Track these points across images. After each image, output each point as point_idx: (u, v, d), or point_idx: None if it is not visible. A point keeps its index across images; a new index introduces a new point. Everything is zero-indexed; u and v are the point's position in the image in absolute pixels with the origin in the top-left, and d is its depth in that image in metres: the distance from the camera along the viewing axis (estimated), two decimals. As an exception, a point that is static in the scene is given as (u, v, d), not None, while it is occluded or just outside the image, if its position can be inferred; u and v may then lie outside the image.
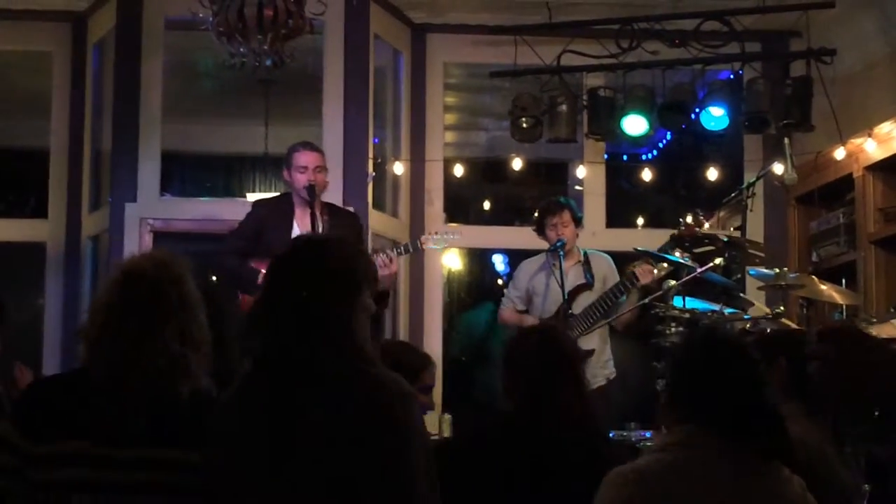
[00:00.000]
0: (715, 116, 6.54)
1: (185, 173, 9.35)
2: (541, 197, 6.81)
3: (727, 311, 5.33)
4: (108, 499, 2.32)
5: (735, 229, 6.56)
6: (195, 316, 2.48)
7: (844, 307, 6.30)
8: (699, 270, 5.29)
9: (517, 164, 7.21)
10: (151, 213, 6.65)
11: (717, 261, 5.35)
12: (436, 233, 5.74)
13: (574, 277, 5.70)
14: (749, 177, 6.23)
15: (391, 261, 5.13)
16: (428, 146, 7.26)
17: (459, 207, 8.85)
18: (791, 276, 5.21)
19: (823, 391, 1.65)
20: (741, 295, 6.00)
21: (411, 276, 7.13)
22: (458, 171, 7.37)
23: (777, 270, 5.14)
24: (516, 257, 7.20)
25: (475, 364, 8.45)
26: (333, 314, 2.34)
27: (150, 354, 2.39)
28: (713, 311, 5.28)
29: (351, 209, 5.90)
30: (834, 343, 1.64)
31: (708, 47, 6.55)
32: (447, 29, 7.29)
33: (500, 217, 9.79)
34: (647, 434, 4.96)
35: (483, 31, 7.03)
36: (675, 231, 5.65)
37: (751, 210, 5.58)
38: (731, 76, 6.75)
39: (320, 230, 5.05)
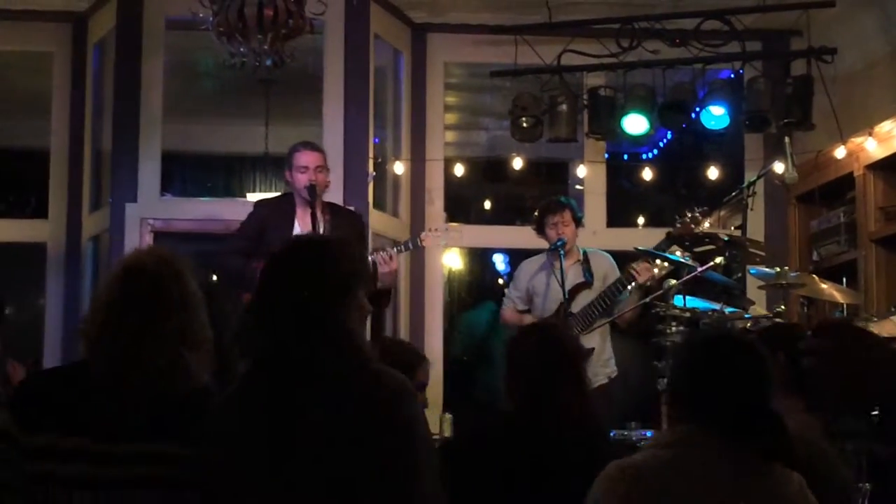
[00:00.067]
0: (715, 115, 6.54)
1: (185, 173, 9.35)
2: (541, 196, 6.82)
3: (728, 310, 5.33)
4: (109, 495, 2.32)
5: (736, 228, 6.55)
6: (196, 313, 2.48)
7: (845, 306, 6.31)
8: (700, 269, 5.29)
9: (518, 163, 7.21)
10: (152, 213, 6.65)
11: (718, 260, 5.35)
12: (436, 229, 5.73)
13: (573, 276, 5.70)
14: (750, 176, 6.23)
15: (391, 258, 5.13)
16: (428, 146, 7.26)
17: (460, 207, 8.85)
18: (792, 275, 5.21)
19: (821, 387, 1.64)
20: (742, 294, 6.01)
21: (412, 276, 7.13)
22: (459, 170, 7.37)
23: (778, 269, 5.14)
24: (517, 257, 7.20)
25: (476, 364, 8.44)
26: (329, 313, 2.34)
27: (151, 350, 2.38)
28: (714, 311, 5.28)
29: (353, 209, 5.89)
30: (832, 338, 1.63)
31: (708, 46, 6.55)
32: (447, 29, 7.29)
33: (500, 217, 9.79)
34: (648, 433, 4.96)
35: (483, 30, 7.03)
36: (671, 229, 5.66)
37: (751, 209, 5.58)
38: (732, 75, 6.75)
39: (321, 230, 5.04)
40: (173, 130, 7.29)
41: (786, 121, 6.39)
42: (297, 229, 5.22)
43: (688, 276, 5.31)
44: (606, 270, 5.83)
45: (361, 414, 2.25)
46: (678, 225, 5.61)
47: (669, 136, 8.23)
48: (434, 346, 7.12)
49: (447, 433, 5.16)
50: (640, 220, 8.64)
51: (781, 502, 2.50)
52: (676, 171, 8.56)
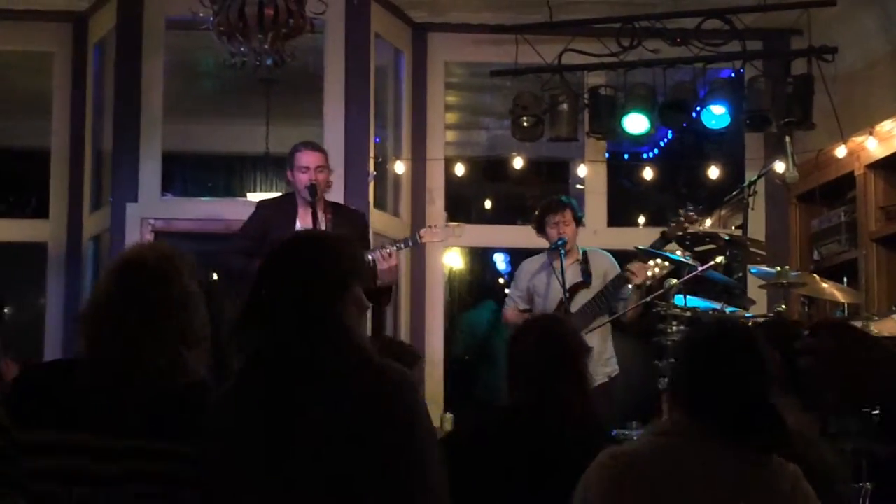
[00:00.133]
0: (716, 115, 6.54)
1: (186, 173, 9.35)
2: (542, 196, 6.81)
3: (728, 309, 5.32)
4: (108, 491, 2.32)
5: (736, 228, 6.55)
6: (196, 310, 2.47)
7: (846, 305, 6.31)
8: (700, 269, 5.29)
9: (518, 163, 7.20)
10: (152, 212, 6.65)
11: (719, 259, 5.35)
12: (435, 226, 5.73)
13: (572, 276, 5.69)
14: (750, 175, 6.23)
15: (391, 256, 5.12)
16: (429, 145, 7.26)
17: (461, 206, 8.85)
18: (792, 274, 5.21)
19: (818, 387, 1.63)
20: (743, 293, 6.01)
21: (413, 275, 7.13)
22: (460, 170, 7.37)
23: (778, 269, 5.14)
24: (517, 256, 7.20)
25: (477, 363, 8.44)
26: (327, 309, 2.33)
27: (151, 347, 2.38)
28: (715, 310, 5.28)
29: (356, 208, 5.89)
30: (830, 338, 1.62)
31: (709, 46, 6.55)
32: (448, 28, 7.29)
33: (501, 216, 9.79)
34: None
35: (484, 30, 7.04)
36: (666, 228, 5.66)
37: (752, 208, 5.58)
38: (733, 74, 6.75)
39: (322, 229, 5.04)
40: (174, 130, 7.29)
41: (786, 120, 6.39)
42: (299, 229, 5.22)
43: (689, 276, 5.31)
44: (606, 269, 5.82)
45: (361, 410, 2.24)
46: (672, 224, 5.62)
47: (670, 135, 8.23)
48: (435, 345, 7.12)
49: (448, 433, 5.16)
50: (641, 220, 8.64)
51: (775, 493, 2.50)
52: (677, 171, 8.55)
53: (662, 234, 5.65)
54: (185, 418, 2.33)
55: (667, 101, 6.58)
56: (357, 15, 6.72)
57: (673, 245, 5.62)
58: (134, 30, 6.70)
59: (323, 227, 5.07)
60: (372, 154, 6.79)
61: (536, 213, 5.90)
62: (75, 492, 2.32)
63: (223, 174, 9.70)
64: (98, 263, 7.06)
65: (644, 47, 6.58)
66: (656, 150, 8.59)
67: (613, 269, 5.84)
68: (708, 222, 7.94)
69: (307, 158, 5.26)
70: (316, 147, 5.42)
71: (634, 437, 4.93)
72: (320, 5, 5.26)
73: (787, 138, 5.69)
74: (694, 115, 6.60)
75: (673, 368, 2.71)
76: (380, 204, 6.97)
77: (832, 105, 6.22)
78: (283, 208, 5.36)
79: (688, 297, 5.38)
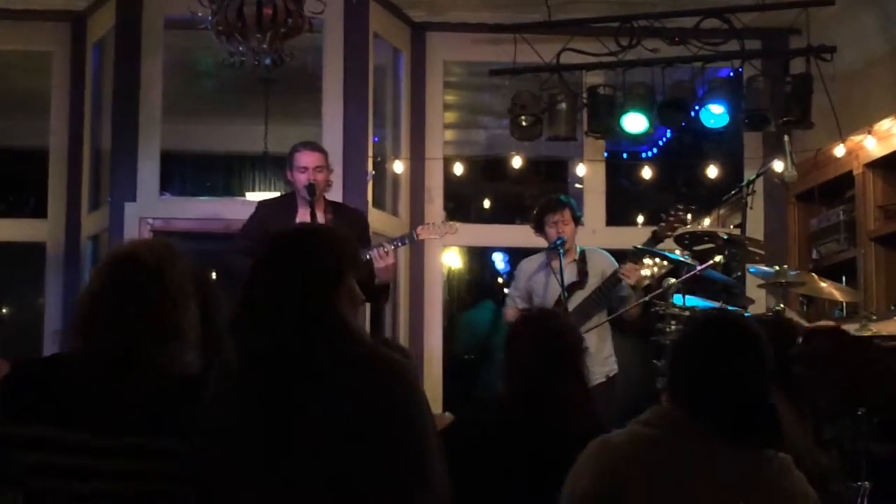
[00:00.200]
0: (715, 114, 6.54)
1: (184, 173, 9.36)
2: (541, 195, 6.81)
3: (727, 308, 5.32)
4: (106, 487, 2.31)
5: (735, 227, 6.54)
6: (189, 305, 2.47)
7: (844, 304, 6.31)
8: (699, 268, 5.29)
9: (517, 162, 7.20)
10: (151, 212, 6.65)
11: (717, 258, 5.35)
12: (432, 223, 5.73)
13: (568, 276, 5.70)
14: (749, 174, 6.23)
15: (388, 253, 5.11)
16: (428, 145, 7.26)
17: (459, 206, 8.85)
18: (791, 273, 5.21)
19: (812, 393, 1.63)
20: (742, 293, 6.00)
21: (411, 274, 7.13)
22: (458, 169, 7.37)
23: (777, 268, 5.14)
24: (516, 256, 7.20)
25: (477, 363, 8.45)
26: (321, 303, 2.33)
27: (143, 340, 2.37)
28: (713, 309, 5.28)
29: (356, 208, 5.89)
30: (824, 344, 1.62)
31: (707, 45, 6.55)
32: (447, 27, 7.29)
33: (500, 215, 9.79)
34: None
35: (483, 29, 7.03)
36: (657, 227, 5.66)
37: (751, 208, 5.57)
38: (731, 74, 6.75)
39: (321, 230, 5.04)
40: (172, 130, 7.29)
41: (785, 119, 6.39)
42: (297, 228, 5.22)
43: (687, 275, 5.31)
44: (604, 268, 5.82)
45: (360, 408, 2.24)
46: (663, 223, 5.62)
47: (669, 134, 8.23)
48: (433, 344, 7.12)
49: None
50: (640, 219, 8.65)
51: (762, 484, 2.51)
52: (676, 170, 8.55)
53: (653, 233, 5.65)
54: (180, 414, 2.33)
55: (665, 100, 6.58)
56: (356, 14, 6.72)
57: (658, 243, 5.62)
58: (133, 29, 6.70)
59: (321, 228, 5.07)
60: (370, 153, 6.79)
61: (535, 212, 5.90)
62: (72, 487, 2.32)
63: (222, 174, 9.70)
64: (97, 263, 7.05)
65: (643, 46, 6.58)
66: (655, 150, 8.59)
67: (611, 267, 5.84)
68: (706, 221, 7.96)
69: (306, 158, 5.27)
70: (315, 147, 5.42)
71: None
72: (319, 5, 5.26)
73: (786, 137, 5.69)
74: (692, 114, 6.60)
75: (668, 359, 2.71)
76: (378, 203, 6.97)
77: (831, 104, 6.22)
78: (283, 208, 5.37)
79: (686, 296, 5.39)
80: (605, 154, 7.51)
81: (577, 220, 5.82)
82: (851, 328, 4.49)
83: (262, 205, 5.62)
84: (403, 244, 5.54)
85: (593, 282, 5.73)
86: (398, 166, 7.11)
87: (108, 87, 7.05)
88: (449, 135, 8.16)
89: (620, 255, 5.86)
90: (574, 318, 5.55)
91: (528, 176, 8.40)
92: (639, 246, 5.73)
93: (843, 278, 6.22)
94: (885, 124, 6.11)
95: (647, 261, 5.69)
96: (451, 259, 9.21)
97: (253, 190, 9.19)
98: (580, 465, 2.59)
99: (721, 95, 6.54)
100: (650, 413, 2.64)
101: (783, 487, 2.52)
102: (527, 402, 3.23)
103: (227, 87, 7.91)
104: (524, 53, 6.74)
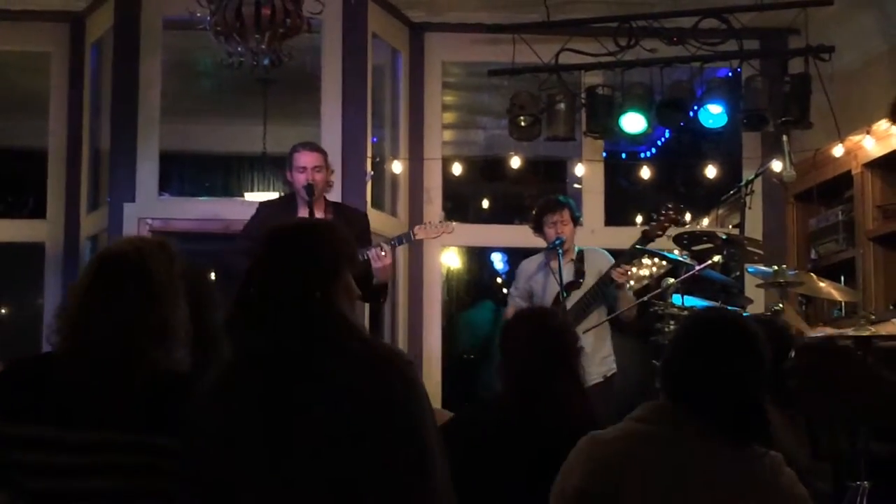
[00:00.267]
0: (713, 114, 6.54)
1: (183, 173, 9.36)
2: (540, 195, 6.81)
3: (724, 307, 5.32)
4: (85, 484, 2.31)
5: (734, 227, 6.55)
6: (176, 301, 2.46)
7: (843, 304, 6.32)
8: (698, 268, 5.30)
9: (516, 162, 7.19)
10: (150, 212, 6.65)
11: (716, 258, 5.35)
12: (429, 222, 5.74)
13: (567, 275, 5.70)
14: (747, 174, 6.24)
15: (384, 253, 5.11)
16: (426, 145, 7.26)
17: (458, 206, 8.85)
18: (790, 273, 5.21)
19: (805, 408, 1.65)
20: (741, 292, 6.01)
21: (410, 275, 7.13)
22: (457, 169, 7.37)
23: (776, 268, 5.14)
24: (515, 256, 7.20)
25: (477, 362, 8.45)
26: (319, 299, 2.32)
27: (128, 337, 2.37)
28: (709, 308, 5.28)
29: (357, 208, 5.88)
30: (815, 359, 1.63)
31: (706, 45, 6.55)
32: (445, 28, 7.29)
33: (498, 215, 9.79)
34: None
35: (481, 29, 7.03)
36: (646, 227, 5.66)
37: (749, 207, 5.58)
38: (730, 74, 6.75)
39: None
40: (171, 130, 7.28)
41: (784, 119, 6.40)
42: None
43: (686, 275, 5.31)
44: (601, 268, 5.81)
45: (361, 407, 2.23)
46: (653, 223, 5.62)
47: (667, 134, 8.23)
48: (432, 344, 7.12)
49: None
50: (639, 219, 8.65)
51: (756, 481, 2.52)
52: (674, 170, 8.56)
53: (644, 232, 5.65)
54: (167, 410, 2.33)
55: (664, 100, 6.58)
56: (354, 14, 6.72)
57: (648, 243, 5.62)
58: (131, 30, 6.70)
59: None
60: (369, 154, 6.79)
61: (534, 212, 5.90)
62: (53, 484, 2.31)
63: (221, 174, 9.70)
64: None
65: (641, 47, 6.59)
66: (653, 150, 8.60)
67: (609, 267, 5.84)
68: (705, 221, 7.96)
69: (304, 159, 5.27)
70: (313, 147, 5.42)
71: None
72: (317, 5, 5.25)
73: (785, 137, 5.69)
74: (691, 114, 6.61)
75: (664, 356, 2.73)
76: (377, 204, 6.97)
77: (829, 104, 6.22)
78: (283, 209, 5.37)
79: (685, 296, 5.39)
80: (604, 154, 7.51)
81: (576, 221, 5.82)
82: (850, 328, 4.49)
83: (264, 206, 5.63)
84: (401, 244, 5.55)
85: (590, 281, 5.73)
86: (397, 166, 7.11)
87: (106, 88, 7.05)
88: (447, 135, 8.16)
89: (619, 256, 5.86)
90: (570, 317, 5.56)
91: (527, 176, 8.41)
92: (639, 246, 5.73)
93: (842, 278, 6.22)
94: (884, 124, 6.11)
95: (645, 261, 5.70)
96: (450, 259, 9.21)
97: (252, 190, 9.19)
98: (570, 462, 2.60)
99: (720, 95, 6.55)
100: (642, 409, 2.65)
101: (776, 485, 2.53)
102: (522, 400, 3.24)
103: (226, 87, 7.91)
104: (523, 54, 6.75)
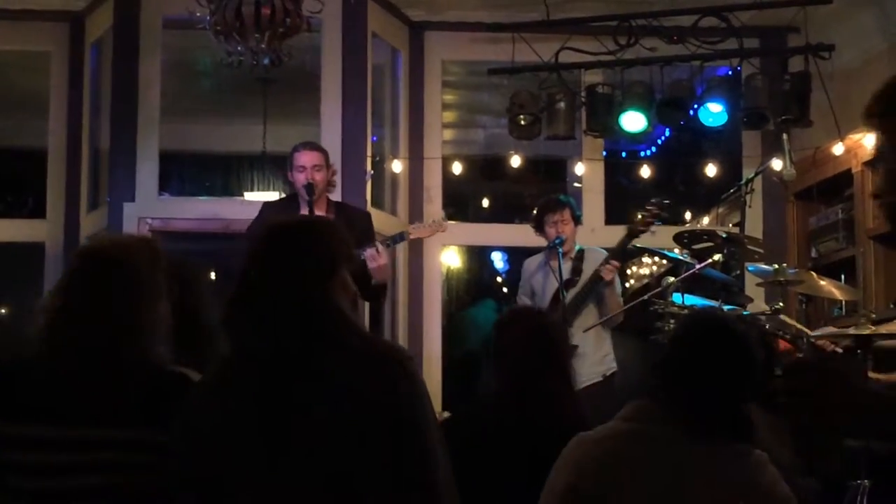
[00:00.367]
0: (713, 112, 6.54)
1: (183, 172, 9.35)
2: (540, 194, 6.81)
3: (726, 307, 5.32)
4: (73, 482, 2.31)
5: (734, 225, 6.55)
6: (157, 297, 2.46)
7: (844, 303, 6.31)
8: (698, 267, 5.29)
9: (516, 161, 7.19)
10: (150, 212, 6.65)
11: (716, 257, 5.34)
12: (424, 222, 5.74)
13: (565, 274, 5.70)
14: (748, 173, 6.23)
15: (380, 253, 5.11)
16: (426, 144, 7.26)
17: (458, 205, 8.85)
18: (790, 271, 5.20)
19: (793, 428, 1.65)
20: (741, 291, 6.00)
21: (410, 274, 7.13)
22: (457, 168, 7.37)
23: (776, 266, 5.13)
24: (515, 255, 7.20)
25: (479, 361, 8.43)
26: (317, 298, 2.32)
27: (106, 334, 2.37)
28: (714, 307, 5.28)
29: (360, 208, 5.88)
30: (802, 379, 1.63)
31: (706, 43, 6.55)
32: (445, 27, 7.28)
33: (499, 214, 9.79)
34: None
35: (481, 28, 7.03)
36: (630, 224, 5.66)
37: (749, 206, 5.58)
38: (730, 72, 6.75)
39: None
40: (171, 129, 7.28)
41: (784, 117, 6.39)
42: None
43: (686, 274, 5.31)
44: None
45: (360, 403, 2.23)
46: (636, 220, 5.62)
47: (667, 133, 8.22)
48: (433, 344, 7.12)
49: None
50: (638, 218, 8.63)
51: (741, 479, 2.54)
52: (674, 169, 8.55)
53: (628, 229, 5.65)
54: (164, 407, 2.33)
55: (664, 98, 6.58)
56: (354, 14, 6.72)
57: (632, 240, 5.62)
58: (131, 29, 6.70)
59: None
60: (369, 153, 6.79)
61: (535, 211, 5.90)
62: (43, 484, 2.31)
63: (220, 173, 9.70)
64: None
65: (641, 45, 6.59)
66: (654, 149, 8.59)
67: (606, 266, 5.84)
68: (705, 220, 7.96)
69: (304, 158, 5.26)
70: (313, 147, 5.41)
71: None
72: (317, 4, 5.25)
73: (785, 136, 5.69)
74: (691, 112, 6.61)
75: (659, 364, 2.74)
76: (377, 203, 6.96)
77: (829, 102, 6.22)
78: (286, 209, 5.36)
79: (685, 294, 5.38)
80: (604, 153, 7.51)
81: (577, 220, 5.83)
82: (850, 326, 4.49)
83: (267, 206, 5.62)
84: (396, 244, 5.54)
85: (586, 280, 5.74)
86: (397, 166, 7.11)
87: (106, 87, 7.04)
88: (447, 134, 8.16)
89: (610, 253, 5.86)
90: (566, 315, 5.56)
91: (527, 175, 8.40)
92: (636, 245, 5.73)
93: (842, 276, 6.22)
94: (884, 123, 6.10)
95: (646, 259, 5.70)
96: (451, 258, 9.21)
97: (251, 190, 9.19)
98: (559, 462, 2.65)
99: (720, 94, 6.55)
100: (629, 409, 2.68)
101: (759, 484, 2.56)
102: (513, 399, 3.26)
103: (226, 86, 7.91)
104: (523, 52, 6.75)
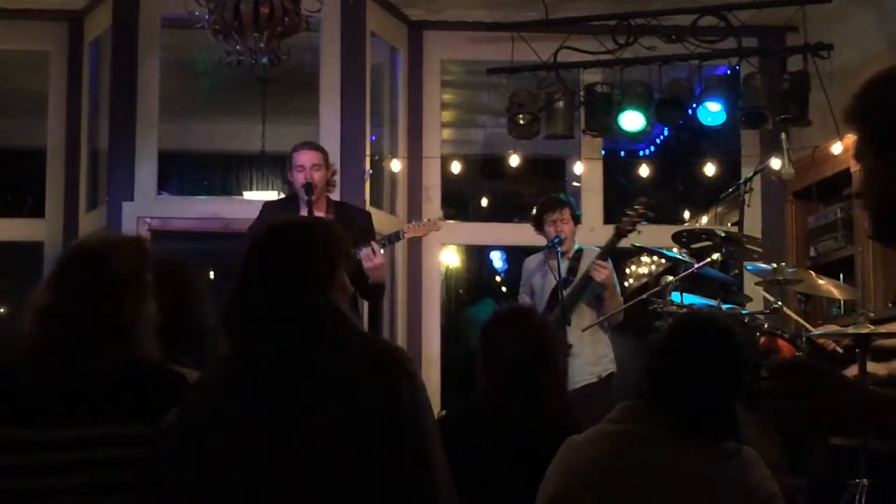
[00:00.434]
0: (712, 112, 6.55)
1: (182, 172, 9.35)
2: (539, 194, 6.81)
3: (725, 306, 5.33)
4: (56, 482, 2.31)
5: (732, 224, 6.56)
6: (141, 294, 2.46)
7: (842, 302, 6.31)
8: (697, 266, 5.29)
9: (514, 160, 7.19)
10: (149, 211, 6.65)
11: (715, 256, 5.34)
12: (418, 221, 5.74)
13: (562, 273, 5.70)
14: (746, 172, 6.23)
15: (375, 253, 5.11)
16: (425, 143, 7.26)
17: (457, 204, 8.85)
18: (789, 271, 5.20)
19: (780, 429, 1.65)
20: (740, 290, 6.00)
21: (409, 273, 7.13)
22: (456, 168, 7.37)
23: (775, 265, 5.14)
24: (514, 254, 7.20)
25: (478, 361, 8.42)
26: (317, 298, 2.33)
27: (88, 330, 2.38)
28: (711, 307, 5.28)
29: (360, 207, 5.87)
30: (787, 380, 1.63)
31: (705, 43, 6.55)
32: (444, 26, 7.28)
33: (497, 214, 9.80)
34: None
35: (480, 27, 7.03)
36: (618, 224, 5.66)
37: (748, 205, 5.58)
38: (728, 71, 6.75)
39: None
40: (170, 129, 7.28)
41: (782, 117, 6.40)
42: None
43: (685, 273, 5.31)
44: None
45: (360, 403, 2.24)
46: (624, 219, 5.62)
47: (666, 132, 8.23)
48: (432, 343, 7.12)
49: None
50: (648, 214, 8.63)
51: (726, 477, 2.56)
52: (673, 168, 8.56)
53: (616, 229, 5.65)
54: (141, 399, 2.34)
55: (663, 98, 6.59)
56: (353, 13, 6.71)
57: (621, 241, 5.62)
58: (130, 28, 6.69)
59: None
60: (368, 152, 6.79)
61: (535, 210, 5.90)
62: (31, 484, 2.31)
63: (219, 173, 9.70)
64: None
65: (640, 44, 6.59)
66: (652, 148, 8.60)
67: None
68: (704, 219, 7.96)
69: (302, 157, 5.26)
70: (312, 146, 5.41)
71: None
72: (316, 3, 5.25)
73: (783, 135, 5.69)
74: (690, 112, 6.61)
75: (649, 362, 2.76)
76: (376, 202, 6.96)
77: (828, 102, 6.22)
78: (287, 209, 5.35)
79: (684, 294, 5.38)
80: (603, 152, 7.51)
81: (577, 220, 5.83)
82: (849, 325, 4.50)
83: (268, 206, 5.61)
84: (391, 243, 5.54)
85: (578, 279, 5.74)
86: (395, 165, 7.11)
87: (105, 87, 7.04)
88: (446, 133, 8.16)
89: (619, 254, 5.87)
90: (560, 315, 5.56)
91: (526, 174, 8.40)
92: (638, 244, 5.73)
93: (841, 276, 6.22)
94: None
95: (644, 258, 5.70)
96: (449, 258, 9.20)
97: (250, 189, 9.19)
98: (551, 466, 2.69)
99: (718, 93, 6.55)
100: (618, 410, 2.71)
101: (745, 482, 2.59)
102: (502, 399, 3.27)
103: (225, 86, 7.91)
104: (521, 52, 6.75)
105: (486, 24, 6.97)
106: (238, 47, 5.01)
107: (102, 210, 6.81)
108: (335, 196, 5.60)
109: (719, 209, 7.48)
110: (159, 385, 2.38)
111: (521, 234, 6.41)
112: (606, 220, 7.31)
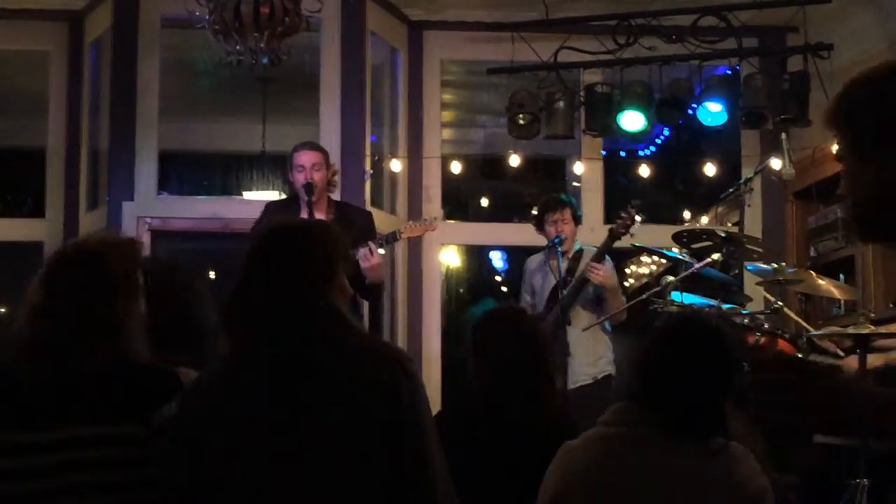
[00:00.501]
0: (712, 112, 6.55)
1: (182, 172, 9.35)
2: (539, 194, 6.82)
3: (725, 306, 5.33)
4: (46, 484, 2.32)
5: (733, 225, 6.56)
6: (133, 293, 2.46)
7: (842, 302, 6.31)
8: (697, 266, 5.29)
9: (515, 160, 7.19)
10: (149, 211, 6.65)
11: (715, 256, 5.34)
12: (415, 221, 5.74)
13: (562, 273, 5.70)
14: (747, 172, 6.23)
15: (372, 253, 5.10)
16: (425, 143, 7.26)
17: (457, 204, 8.86)
18: (789, 271, 5.20)
19: (766, 424, 1.64)
20: (740, 290, 6.00)
21: (409, 273, 7.13)
22: (456, 168, 7.37)
23: (775, 265, 5.13)
24: (514, 254, 7.20)
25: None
26: (317, 300, 2.33)
27: (78, 330, 2.38)
28: (711, 307, 5.28)
29: (361, 208, 5.87)
30: (771, 375, 1.63)
31: (705, 43, 6.55)
32: (444, 26, 7.28)
33: (498, 214, 9.80)
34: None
35: (480, 27, 7.03)
36: (612, 226, 5.67)
37: (748, 205, 5.58)
38: (729, 71, 6.76)
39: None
40: (170, 129, 7.28)
41: (782, 117, 6.40)
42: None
43: (685, 273, 5.31)
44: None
45: (361, 401, 2.25)
46: (618, 221, 5.62)
47: (666, 132, 8.23)
48: (432, 343, 7.12)
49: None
50: (637, 218, 8.62)
51: (716, 475, 2.58)
52: (673, 168, 8.56)
53: (610, 231, 5.65)
54: (133, 402, 2.34)
55: (663, 98, 6.59)
56: (353, 13, 6.72)
57: (615, 242, 5.62)
58: (130, 29, 6.70)
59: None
60: (368, 152, 6.79)
61: (536, 210, 5.90)
62: (28, 486, 2.31)
63: (219, 173, 9.69)
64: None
65: (640, 44, 6.59)
66: (653, 148, 8.60)
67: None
68: (704, 219, 7.96)
69: (302, 158, 5.26)
70: (313, 146, 5.41)
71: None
72: (316, 3, 5.25)
73: (784, 135, 5.69)
74: (690, 112, 6.61)
75: (639, 360, 2.77)
76: (376, 202, 6.96)
77: (828, 102, 6.21)
78: (288, 209, 5.36)
79: (684, 294, 5.38)
80: (603, 152, 7.51)
81: (578, 220, 5.83)
82: (849, 325, 4.50)
83: (269, 206, 5.60)
84: (389, 243, 5.53)
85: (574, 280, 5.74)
86: (396, 165, 7.11)
87: (105, 87, 7.04)
88: (446, 133, 8.16)
89: (618, 254, 5.86)
90: (557, 315, 5.57)
91: (526, 174, 8.41)
92: (638, 244, 5.73)
93: (841, 276, 6.22)
94: (883, 122, 6.10)
95: (645, 259, 5.69)
96: (450, 258, 9.20)
97: (250, 189, 9.18)
98: (548, 471, 2.73)
99: (718, 93, 6.55)
100: (610, 412, 2.72)
101: (734, 478, 2.61)
102: (495, 398, 3.27)
103: (225, 86, 7.90)
104: (522, 52, 6.75)
105: (486, 24, 6.97)
106: (238, 47, 5.01)
107: (102, 210, 6.82)
108: (336, 196, 5.60)
109: (719, 209, 7.48)
110: (150, 384, 2.38)
111: (522, 234, 6.41)
112: (606, 221, 7.31)
